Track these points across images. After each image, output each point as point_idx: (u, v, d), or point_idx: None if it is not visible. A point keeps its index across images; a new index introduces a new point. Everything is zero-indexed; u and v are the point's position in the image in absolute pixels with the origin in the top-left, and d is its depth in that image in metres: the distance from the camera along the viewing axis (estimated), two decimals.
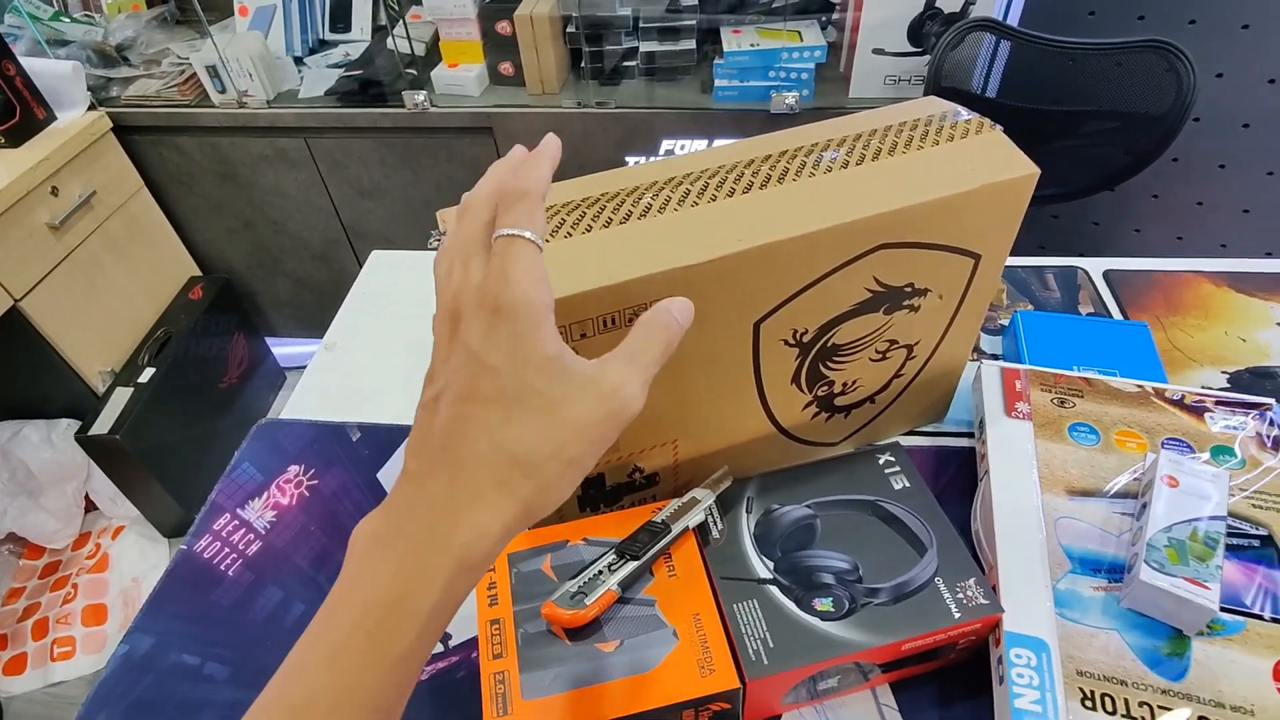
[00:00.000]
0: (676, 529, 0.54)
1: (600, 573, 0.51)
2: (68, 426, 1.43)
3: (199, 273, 1.69)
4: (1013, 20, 1.23)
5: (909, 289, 0.57)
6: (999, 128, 0.56)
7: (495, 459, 0.30)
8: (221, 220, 1.62)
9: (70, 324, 1.38)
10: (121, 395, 1.38)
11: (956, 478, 0.68)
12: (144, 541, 1.53)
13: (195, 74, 1.41)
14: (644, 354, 0.34)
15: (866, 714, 0.55)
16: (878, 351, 0.61)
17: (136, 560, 1.51)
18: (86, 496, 1.57)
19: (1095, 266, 0.89)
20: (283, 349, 1.88)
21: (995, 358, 0.81)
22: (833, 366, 0.60)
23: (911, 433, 0.74)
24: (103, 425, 1.34)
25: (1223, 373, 0.76)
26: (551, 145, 0.36)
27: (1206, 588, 0.49)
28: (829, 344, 0.58)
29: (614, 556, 0.52)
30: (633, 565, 0.52)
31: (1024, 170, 0.53)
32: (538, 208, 0.33)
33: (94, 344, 1.43)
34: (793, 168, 0.53)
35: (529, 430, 0.30)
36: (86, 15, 1.58)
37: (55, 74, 1.37)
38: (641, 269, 0.47)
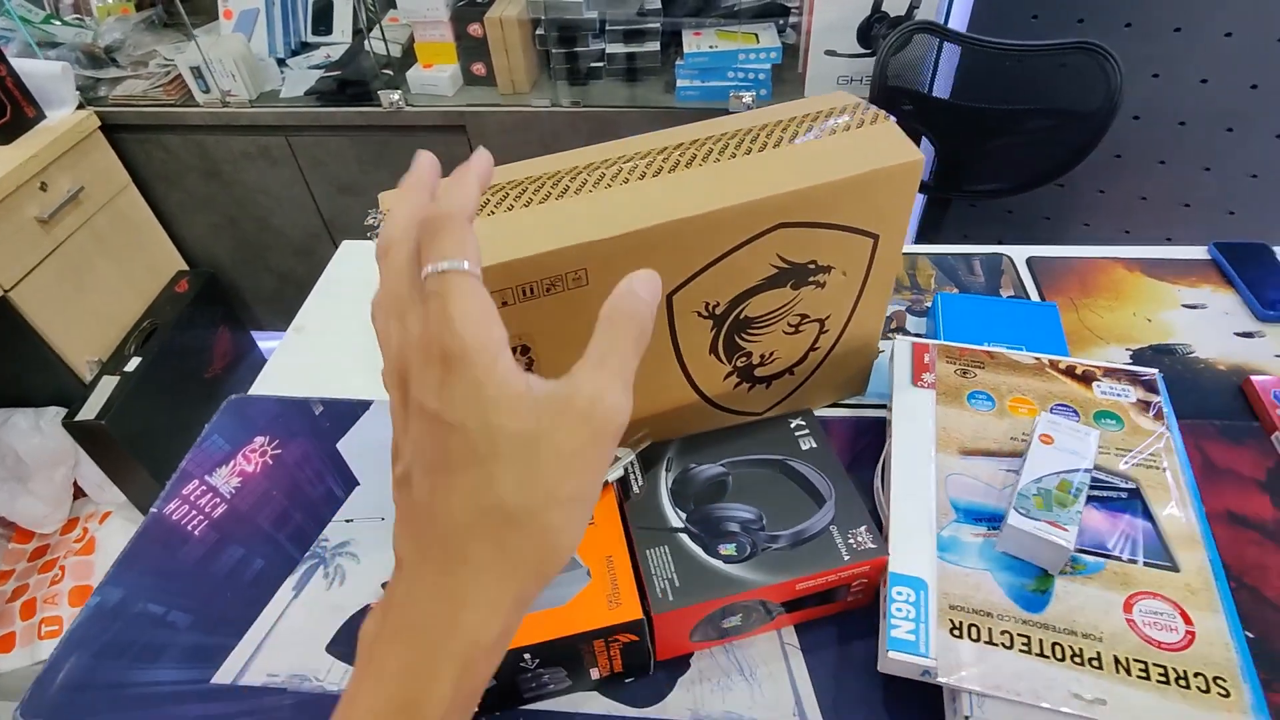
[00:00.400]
0: None
1: None
2: (56, 414, 1.48)
3: (185, 267, 1.75)
4: (960, 23, 1.29)
5: (812, 266, 0.62)
6: (892, 119, 0.62)
7: (486, 525, 0.26)
8: (207, 216, 1.67)
9: (58, 314, 1.43)
10: (108, 383, 1.44)
11: (871, 444, 0.74)
12: (130, 526, 1.58)
13: (180, 74, 1.47)
14: (614, 352, 0.31)
15: (771, 652, 0.60)
16: (790, 325, 0.67)
17: (122, 544, 1.55)
18: (75, 483, 1.62)
19: (1020, 254, 0.95)
20: (267, 342, 1.93)
21: (920, 338, 0.86)
22: (748, 338, 0.66)
23: (835, 405, 0.79)
24: (89, 411, 1.39)
25: (1127, 349, 0.82)
26: (482, 161, 0.33)
27: (1065, 530, 0.54)
28: (741, 316, 0.64)
29: None
30: None
31: (910, 157, 0.58)
32: (466, 232, 0.29)
33: (82, 334, 1.48)
34: (700, 154, 0.59)
35: (514, 482, 0.26)
36: (77, 18, 1.63)
37: (45, 74, 1.43)
38: (556, 243, 0.53)
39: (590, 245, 0.53)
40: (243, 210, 1.63)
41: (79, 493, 1.64)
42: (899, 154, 0.59)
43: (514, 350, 0.57)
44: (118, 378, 1.44)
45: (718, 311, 0.62)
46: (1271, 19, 1.16)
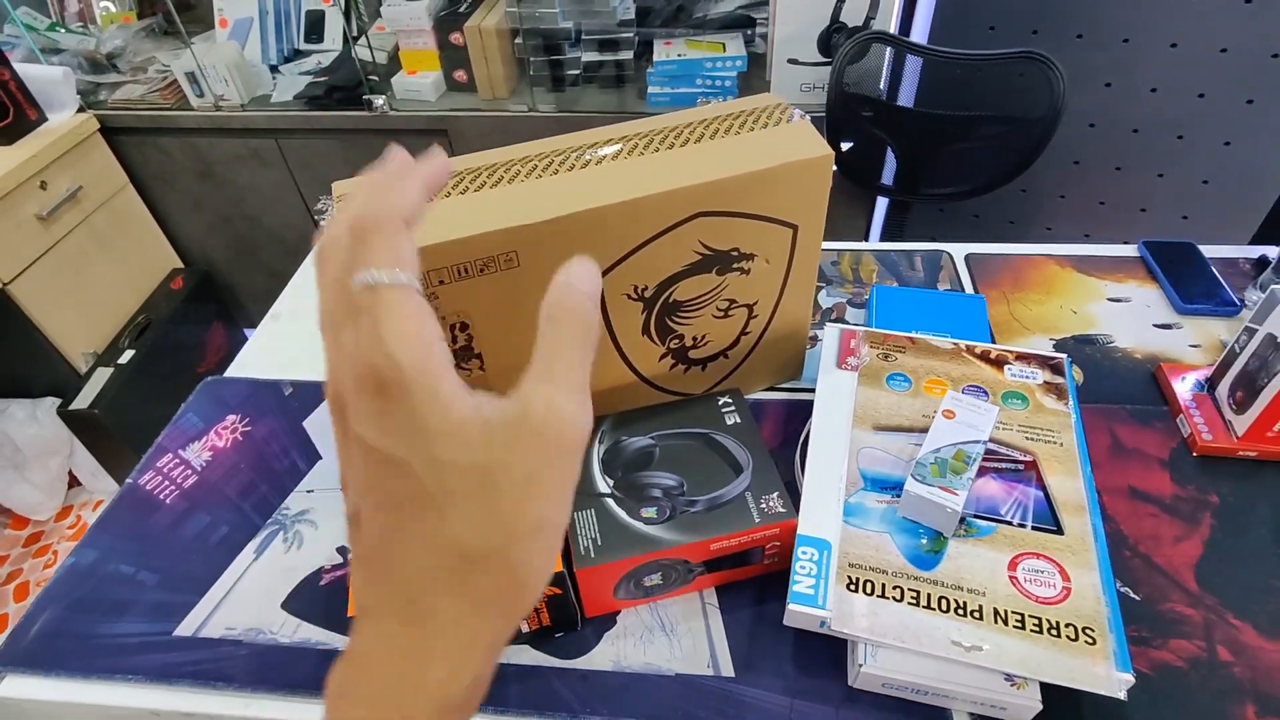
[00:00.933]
0: None
1: None
2: (52, 404, 1.54)
3: (180, 265, 1.81)
4: (920, 33, 1.35)
5: (735, 253, 0.67)
6: (806, 118, 0.67)
7: (445, 570, 0.24)
8: (202, 216, 1.74)
9: (56, 308, 1.49)
10: (102, 374, 1.49)
11: (803, 425, 0.78)
12: None
13: (176, 79, 1.54)
14: (560, 357, 0.27)
15: (692, 610, 0.65)
16: (719, 309, 0.72)
17: None
18: (70, 472, 1.68)
19: (959, 250, 1.00)
20: None
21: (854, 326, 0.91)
22: (679, 321, 0.71)
23: (773, 389, 0.84)
24: (83, 401, 1.45)
25: (1050, 339, 0.86)
26: (434, 164, 0.30)
27: (955, 494, 0.59)
28: (670, 299, 0.69)
29: None
30: None
31: (819, 152, 0.63)
32: (402, 239, 0.26)
33: (78, 327, 1.54)
34: (626, 149, 0.64)
35: (469, 521, 0.23)
36: (81, 27, 1.71)
37: (47, 78, 1.50)
38: (487, 226, 0.58)
39: (518, 229, 0.58)
40: (236, 210, 1.69)
41: (74, 481, 1.69)
42: (810, 149, 0.64)
43: (452, 327, 0.62)
44: (111, 369, 1.50)
45: (646, 294, 0.67)
46: (1214, 30, 1.21)
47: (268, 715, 0.60)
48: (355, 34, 1.58)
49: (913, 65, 1.32)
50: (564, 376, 0.27)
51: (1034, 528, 0.60)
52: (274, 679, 0.62)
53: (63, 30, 1.66)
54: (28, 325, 1.46)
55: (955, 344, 0.76)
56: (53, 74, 1.50)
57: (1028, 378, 0.72)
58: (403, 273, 0.25)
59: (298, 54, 1.68)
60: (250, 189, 1.65)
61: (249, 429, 0.84)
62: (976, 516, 0.61)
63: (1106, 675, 0.52)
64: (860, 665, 0.56)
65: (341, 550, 0.71)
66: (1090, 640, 0.53)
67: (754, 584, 0.66)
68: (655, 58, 1.36)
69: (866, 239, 1.56)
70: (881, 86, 1.30)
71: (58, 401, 1.51)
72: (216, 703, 0.61)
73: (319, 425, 0.83)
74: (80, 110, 1.55)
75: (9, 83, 1.43)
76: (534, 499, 0.24)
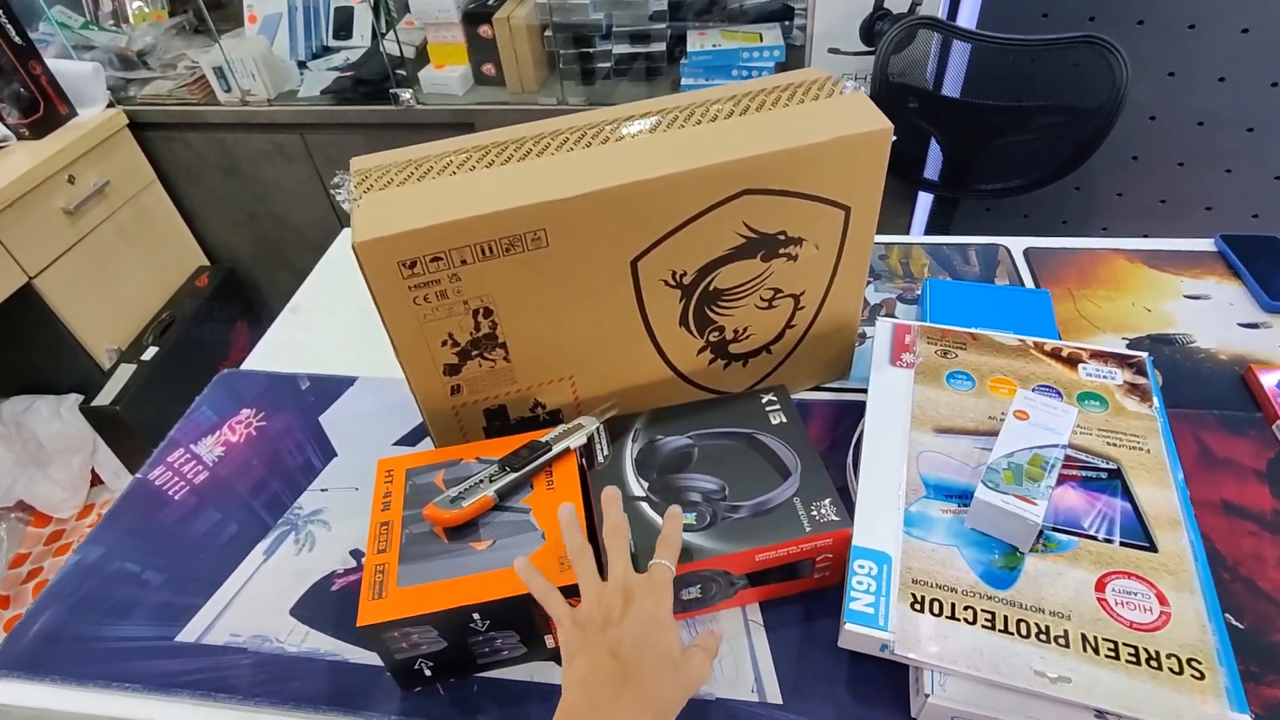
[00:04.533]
0: (557, 448, 0.59)
1: (481, 482, 0.57)
2: (75, 400, 1.53)
3: (206, 262, 1.80)
4: (969, 20, 1.28)
5: (782, 236, 0.62)
6: (861, 89, 0.61)
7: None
8: (227, 213, 1.72)
9: (80, 303, 1.48)
10: (125, 371, 1.48)
11: (853, 428, 0.72)
12: None
13: (204, 75, 1.53)
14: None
15: (734, 628, 0.59)
16: (763, 299, 0.66)
17: None
18: (93, 470, 1.66)
19: (1017, 245, 0.93)
20: None
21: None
22: (719, 311, 0.65)
23: (818, 389, 0.78)
24: (105, 397, 1.43)
25: (1123, 339, 0.79)
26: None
27: (1034, 504, 0.52)
28: (711, 287, 0.63)
29: (496, 469, 0.58)
30: (511, 476, 0.57)
31: (878, 125, 0.58)
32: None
33: (102, 323, 1.53)
34: (665, 122, 0.59)
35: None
36: (114, 26, 1.71)
37: (78, 74, 1.49)
38: (514, 201, 0.53)
39: (548, 205, 0.53)
40: (261, 207, 1.68)
41: (96, 479, 1.68)
42: (867, 122, 0.58)
43: (475, 313, 0.57)
44: (134, 366, 1.48)
45: (685, 281, 0.62)
46: None
47: None
48: (384, 28, 1.56)
49: (960, 53, 1.25)
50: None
51: (1122, 543, 0.53)
52: (278, 691, 0.57)
53: (95, 29, 1.67)
54: (53, 320, 1.45)
55: (1021, 341, 0.69)
56: (83, 69, 1.50)
57: (1106, 378, 0.65)
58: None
59: (326, 50, 1.66)
60: (276, 185, 1.63)
61: (264, 423, 0.80)
62: (1056, 529, 0.55)
63: (1219, 715, 0.45)
64: (927, 695, 0.49)
65: (355, 553, 0.66)
66: (1197, 674, 0.46)
67: (802, 600, 0.60)
68: (689, 48, 1.31)
69: None
70: (928, 76, 1.24)
71: (81, 398, 1.50)
72: (217, 716, 0.57)
73: (337, 421, 0.79)
74: (110, 106, 1.55)
75: (40, 77, 1.43)
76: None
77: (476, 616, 0.52)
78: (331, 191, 0.55)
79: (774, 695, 0.54)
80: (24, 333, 1.49)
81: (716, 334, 0.67)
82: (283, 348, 0.91)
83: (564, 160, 0.56)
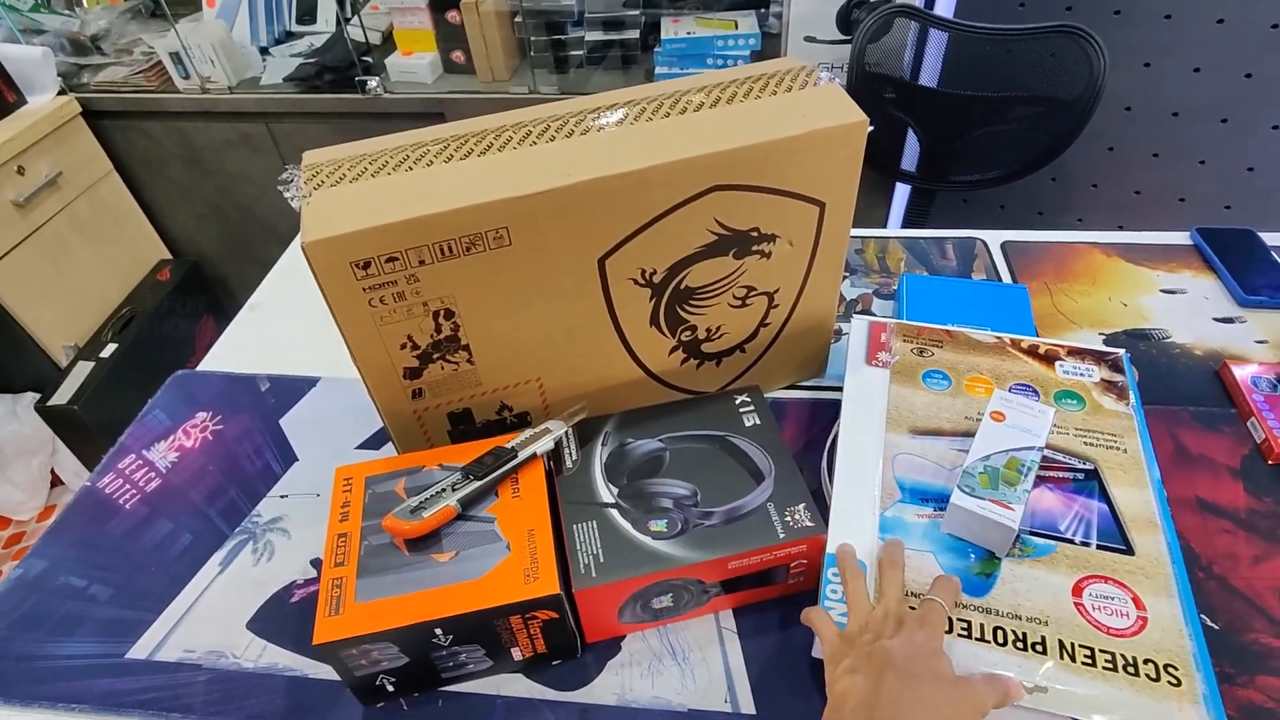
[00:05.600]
0: (523, 454, 0.57)
1: (443, 491, 0.54)
2: (32, 400, 1.47)
3: (168, 255, 1.74)
4: (947, 9, 1.26)
5: (755, 233, 0.60)
6: (836, 80, 0.59)
7: None
8: (190, 205, 1.67)
9: (34, 299, 1.42)
10: (83, 369, 1.43)
11: (828, 428, 0.71)
12: None
13: (161, 61, 1.47)
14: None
15: (707, 636, 0.57)
16: (736, 297, 0.64)
17: None
18: (53, 471, 1.61)
19: (994, 238, 0.92)
20: None
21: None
22: (691, 310, 0.63)
23: (793, 387, 0.76)
24: (62, 396, 1.38)
25: (1100, 334, 0.78)
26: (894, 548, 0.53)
27: (1010, 509, 0.51)
28: (682, 286, 0.61)
29: (459, 477, 0.55)
30: (475, 485, 0.55)
31: (853, 118, 0.56)
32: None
33: (58, 320, 1.48)
34: (633, 114, 0.57)
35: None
36: (66, 9, 1.64)
37: (25, 59, 1.43)
38: (476, 198, 0.50)
39: (510, 202, 0.51)
40: (226, 199, 1.62)
41: (57, 480, 1.63)
42: (842, 115, 0.56)
43: (435, 315, 0.55)
44: (93, 363, 1.43)
45: (655, 280, 0.60)
46: (1265, 5, 1.12)
47: None
48: (348, 13, 1.51)
49: (937, 42, 1.23)
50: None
51: (1099, 546, 0.53)
52: (234, 709, 0.55)
53: (46, 11, 1.60)
54: (4, 316, 1.39)
55: (998, 338, 0.68)
56: (31, 54, 1.43)
57: (1083, 375, 0.64)
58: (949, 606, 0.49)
59: (290, 36, 1.61)
60: (240, 176, 1.58)
61: (220, 427, 0.77)
62: (1033, 533, 0.54)
63: None
64: None
65: (315, 563, 0.64)
66: (1174, 680, 0.46)
67: (777, 606, 0.58)
68: (663, 36, 1.29)
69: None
70: (905, 66, 1.22)
71: (37, 397, 1.44)
72: None
73: (298, 424, 0.76)
74: (61, 93, 1.48)
75: None
76: None
77: (439, 631, 0.50)
78: (279, 188, 0.52)
79: (747, 705, 0.53)
80: None
81: (689, 333, 0.65)
82: (242, 347, 0.87)
83: (527, 155, 0.54)
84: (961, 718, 0.42)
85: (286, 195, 0.52)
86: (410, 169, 0.53)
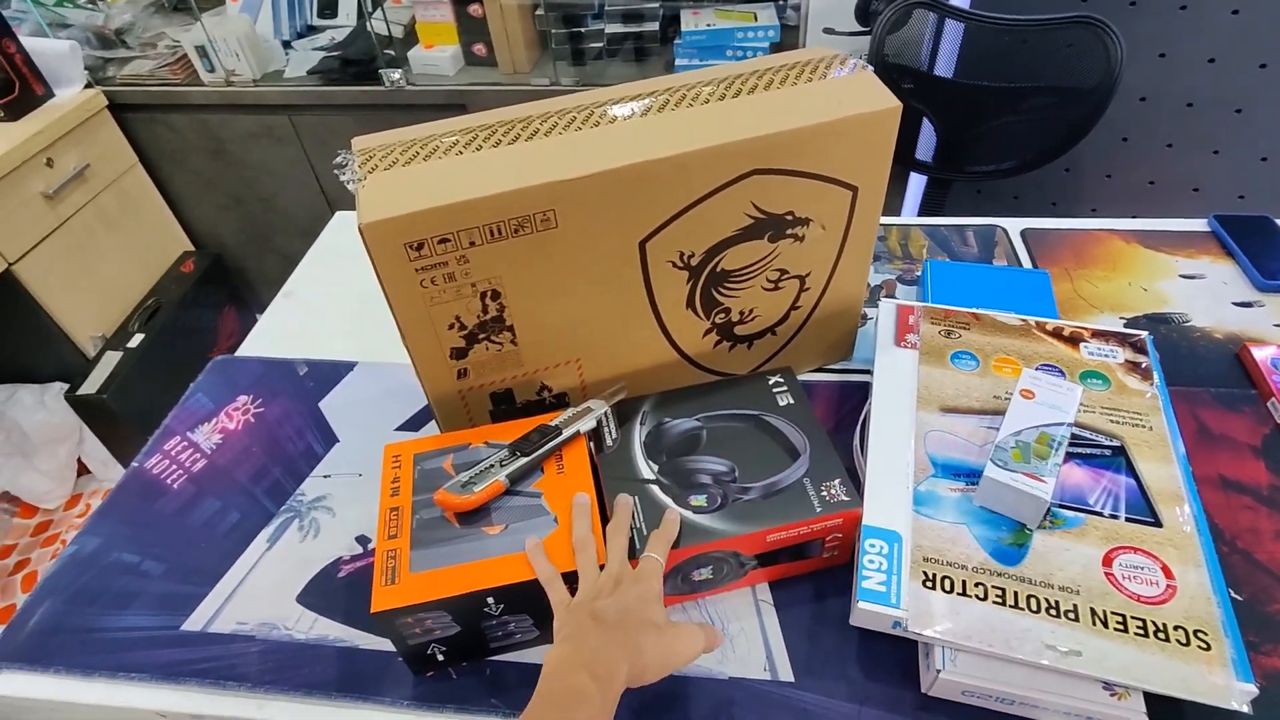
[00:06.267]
0: (567, 432, 0.59)
1: (492, 467, 0.56)
2: (60, 390, 1.50)
3: (191, 247, 1.77)
4: (964, 0, 1.27)
5: (789, 217, 0.61)
6: (870, 68, 0.61)
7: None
8: (213, 197, 1.69)
9: (62, 290, 1.45)
10: (111, 359, 1.45)
11: (856, 409, 0.72)
12: None
13: (186, 54, 1.49)
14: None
15: (744, 608, 0.59)
16: (769, 280, 0.66)
17: None
18: (79, 460, 1.64)
19: (1014, 225, 0.93)
20: None
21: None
22: (726, 292, 0.65)
23: (821, 370, 0.78)
24: (91, 386, 1.40)
25: (1120, 318, 0.80)
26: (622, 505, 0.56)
27: (1042, 481, 0.53)
28: (718, 269, 0.63)
29: (506, 454, 0.57)
30: (522, 461, 0.57)
31: (887, 104, 0.57)
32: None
33: (86, 310, 1.50)
34: (674, 100, 0.58)
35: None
36: (91, 4, 1.66)
37: (54, 53, 1.45)
38: (523, 181, 0.52)
39: (557, 185, 0.52)
40: (248, 191, 1.65)
41: (83, 469, 1.65)
42: (875, 101, 0.58)
43: (482, 295, 0.57)
44: (120, 353, 1.46)
45: (693, 263, 0.61)
46: None
47: (282, 718, 0.55)
48: (371, 6, 1.52)
49: (954, 33, 1.24)
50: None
51: (1128, 519, 0.54)
52: (289, 679, 0.57)
53: (71, 6, 1.62)
54: (34, 307, 1.41)
55: (1024, 320, 0.69)
56: (59, 48, 1.45)
57: (1107, 356, 0.66)
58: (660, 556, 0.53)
59: (311, 30, 1.62)
60: (263, 168, 1.60)
61: (261, 410, 0.79)
62: (1063, 506, 0.55)
63: (1225, 685, 0.46)
64: (939, 671, 0.50)
65: (361, 539, 0.66)
66: (1204, 645, 0.47)
67: (810, 580, 0.60)
68: (683, 28, 1.30)
69: None
70: (923, 57, 1.23)
71: (65, 387, 1.47)
72: (227, 704, 0.56)
73: (337, 406, 0.78)
74: (88, 86, 1.50)
75: (15, 56, 1.39)
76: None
77: (491, 601, 0.52)
78: (335, 171, 0.54)
79: (786, 673, 0.55)
80: (4, 320, 1.45)
81: (723, 315, 0.67)
82: (276, 334, 0.89)
83: (572, 140, 0.55)
84: (671, 656, 0.48)
85: (341, 178, 0.54)
86: (460, 153, 0.54)
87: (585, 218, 0.55)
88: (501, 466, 0.56)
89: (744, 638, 0.57)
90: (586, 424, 0.60)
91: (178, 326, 1.58)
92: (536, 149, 0.55)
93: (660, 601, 0.50)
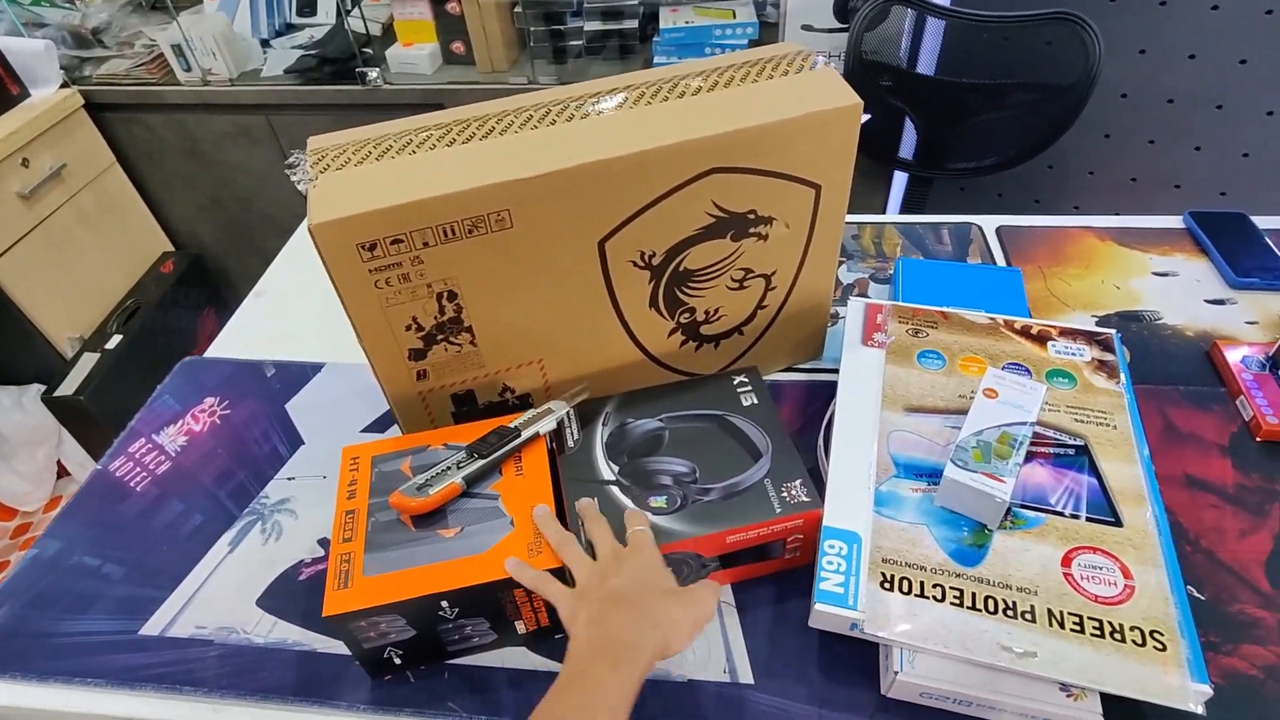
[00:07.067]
0: (526, 434, 0.58)
1: (449, 469, 0.56)
2: (38, 391, 1.49)
3: (171, 248, 1.75)
4: None
5: (752, 216, 0.61)
6: (832, 64, 0.60)
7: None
8: (191, 197, 1.68)
9: (40, 291, 1.44)
10: (88, 360, 1.44)
11: (824, 408, 0.72)
12: None
13: (162, 53, 1.47)
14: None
15: None
16: (733, 280, 0.65)
17: None
18: (59, 462, 1.62)
19: (990, 223, 0.93)
20: None
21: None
22: (689, 292, 0.65)
23: (791, 369, 0.77)
24: (68, 387, 1.39)
25: (1093, 316, 0.80)
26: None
27: (1002, 481, 0.53)
28: (681, 268, 0.62)
29: (463, 455, 0.57)
30: (479, 463, 0.56)
31: (848, 101, 0.57)
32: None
33: (64, 311, 1.49)
34: (632, 98, 0.58)
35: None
36: (67, 2, 1.64)
37: (29, 52, 1.44)
38: (477, 181, 0.51)
39: (512, 184, 0.52)
40: (226, 191, 1.63)
41: (63, 471, 1.64)
42: (836, 98, 0.57)
43: (439, 296, 0.56)
44: (98, 355, 1.44)
45: (655, 262, 0.61)
46: None
47: None
48: (349, 5, 1.51)
49: (934, 30, 1.24)
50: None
51: (1088, 519, 0.54)
52: (246, 683, 0.56)
53: (47, 4, 1.60)
54: (11, 308, 1.40)
55: (992, 319, 0.69)
56: (35, 47, 1.44)
57: (1074, 354, 0.66)
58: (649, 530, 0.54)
59: (290, 28, 1.61)
60: (241, 168, 1.58)
61: (228, 412, 0.78)
62: (1023, 506, 0.55)
63: (1180, 686, 0.45)
64: (896, 672, 0.50)
65: (323, 542, 0.65)
66: (1159, 645, 0.47)
67: (774, 581, 0.60)
68: (661, 25, 1.29)
69: None
70: (902, 54, 1.23)
71: (43, 388, 1.45)
72: (183, 709, 0.56)
73: (304, 408, 0.78)
74: (64, 86, 1.49)
75: None
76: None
77: (445, 604, 0.51)
78: (286, 172, 0.53)
79: (746, 675, 0.54)
80: None
81: (687, 315, 0.66)
82: (248, 334, 0.89)
83: (528, 139, 0.55)
84: (698, 616, 0.48)
85: (293, 179, 0.53)
86: (414, 153, 0.54)
87: (541, 218, 0.54)
88: (458, 468, 0.56)
89: (704, 639, 0.57)
90: (546, 425, 0.59)
91: (157, 327, 1.57)
92: (491, 148, 0.54)
93: (666, 567, 0.50)
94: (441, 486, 0.54)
